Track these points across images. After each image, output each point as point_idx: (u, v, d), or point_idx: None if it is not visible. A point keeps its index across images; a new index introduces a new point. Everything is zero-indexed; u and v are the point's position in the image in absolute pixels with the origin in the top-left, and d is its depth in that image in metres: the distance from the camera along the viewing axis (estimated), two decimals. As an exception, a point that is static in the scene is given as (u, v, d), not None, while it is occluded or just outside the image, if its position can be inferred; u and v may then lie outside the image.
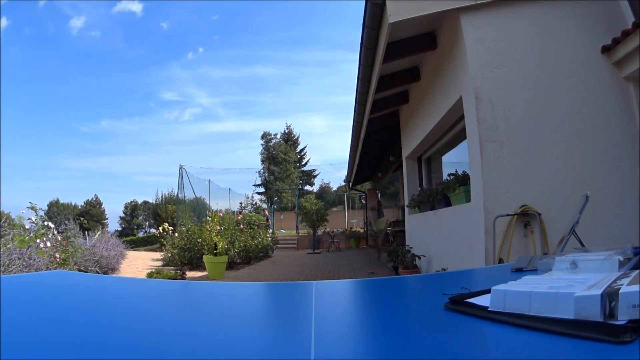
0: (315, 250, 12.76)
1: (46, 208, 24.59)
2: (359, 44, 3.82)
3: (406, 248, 5.28)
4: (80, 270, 5.26)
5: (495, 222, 2.89)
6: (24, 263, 4.20)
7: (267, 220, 13.85)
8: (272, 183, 30.56)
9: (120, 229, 32.48)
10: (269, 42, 49.43)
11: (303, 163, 33.88)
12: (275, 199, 29.72)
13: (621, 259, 0.68)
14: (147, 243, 18.24)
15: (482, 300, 0.60)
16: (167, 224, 12.56)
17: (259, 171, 31.71)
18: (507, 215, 2.89)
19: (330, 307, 0.79)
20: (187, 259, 7.96)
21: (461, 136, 4.04)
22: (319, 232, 14.51)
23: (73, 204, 36.14)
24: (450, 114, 3.94)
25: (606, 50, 2.98)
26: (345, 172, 14.86)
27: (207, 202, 14.05)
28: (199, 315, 0.73)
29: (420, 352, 0.47)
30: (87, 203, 36.18)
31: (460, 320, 0.58)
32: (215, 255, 6.89)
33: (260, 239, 9.87)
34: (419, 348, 0.49)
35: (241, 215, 10.93)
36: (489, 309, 0.55)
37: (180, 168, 11.84)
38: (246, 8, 46.72)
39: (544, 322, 0.47)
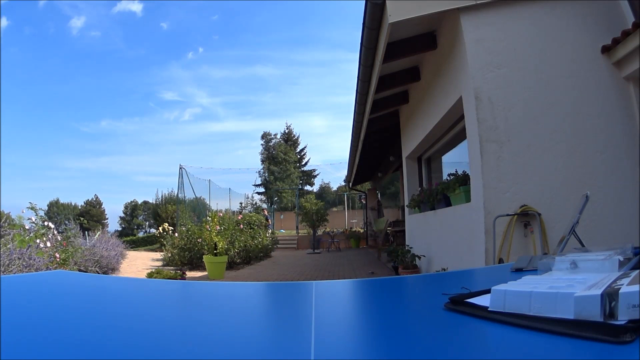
0: (315, 250, 12.76)
1: (46, 208, 24.60)
2: (359, 44, 3.83)
3: (406, 248, 5.28)
4: (80, 270, 5.26)
5: (495, 222, 2.89)
6: (24, 263, 4.20)
7: (267, 220, 13.85)
8: (272, 183, 30.56)
9: (120, 229, 32.49)
10: (269, 42, 49.51)
11: (303, 163, 33.91)
12: (275, 199, 29.72)
13: (621, 259, 0.68)
14: (147, 243, 18.25)
15: (482, 300, 0.60)
16: (167, 224, 12.56)
17: (259, 171, 31.77)
18: (507, 215, 2.89)
19: (330, 307, 0.79)
20: (187, 259, 7.96)
21: (461, 136, 4.04)
22: (319, 232, 14.51)
23: (73, 204, 36.17)
24: (450, 114, 3.94)
25: (606, 50, 2.98)
26: (345, 172, 14.88)
27: (207, 202, 14.07)
28: (199, 315, 0.73)
29: (420, 352, 0.47)
30: (87, 203, 36.18)
31: (460, 320, 0.58)
32: (215, 255, 6.89)
33: (260, 239, 9.88)
34: (419, 348, 0.49)
35: (241, 215, 10.92)
36: (489, 309, 0.55)
37: (180, 168, 11.85)
38: (246, 8, 46.84)
39: (544, 322, 0.47)
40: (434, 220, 4.67)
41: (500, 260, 2.82)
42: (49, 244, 5.23)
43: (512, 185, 2.93)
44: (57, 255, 5.01)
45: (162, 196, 20.95)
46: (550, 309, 0.48)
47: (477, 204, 3.10)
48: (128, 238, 20.35)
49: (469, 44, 3.13)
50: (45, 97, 47.00)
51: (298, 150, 33.75)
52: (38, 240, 5.03)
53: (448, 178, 4.18)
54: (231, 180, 61.71)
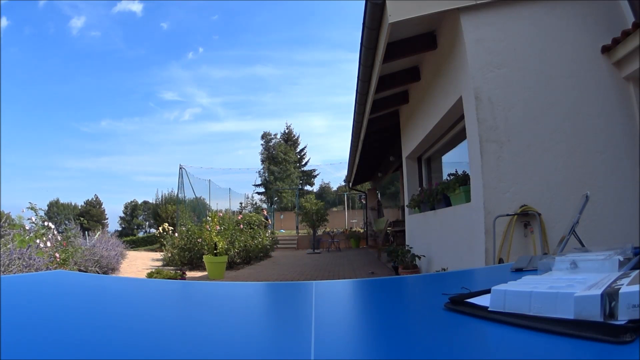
0: (315, 250, 12.76)
1: (46, 208, 24.61)
2: (359, 44, 3.83)
3: (406, 248, 5.28)
4: (80, 270, 5.26)
5: (495, 222, 2.89)
6: (24, 263, 4.20)
7: (267, 220, 13.85)
8: (272, 183, 30.57)
9: (120, 229, 32.51)
10: (269, 42, 49.54)
11: (303, 163, 33.91)
12: (275, 199, 29.72)
13: (621, 259, 0.68)
14: (147, 243, 18.24)
15: (482, 300, 0.60)
16: (167, 224, 12.57)
17: (259, 171, 31.77)
18: (507, 215, 2.89)
19: (330, 307, 0.79)
20: (187, 259, 7.96)
21: (461, 136, 4.04)
22: (319, 232, 14.51)
23: (73, 204, 36.18)
24: (450, 114, 3.94)
25: (606, 50, 2.98)
26: (345, 172, 14.88)
27: (207, 202, 14.07)
28: (199, 315, 0.73)
29: (420, 352, 0.47)
30: (87, 203, 36.19)
31: (460, 320, 0.58)
32: (215, 255, 6.89)
33: (260, 239, 9.88)
34: (419, 348, 0.49)
35: (241, 215, 10.92)
36: (489, 309, 0.55)
37: (180, 168, 11.84)
38: (246, 8, 46.81)
39: (544, 322, 0.47)
40: (434, 220, 4.67)
41: (500, 260, 2.82)
42: (49, 244, 5.23)
43: (512, 185, 2.93)
44: (57, 255, 5.01)
45: (162, 196, 20.99)
46: (550, 309, 0.48)
47: (477, 204, 3.10)
48: (128, 238, 20.35)
49: (469, 44, 3.13)
50: (45, 97, 47.11)
51: (298, 150, 33.76)
52: (38, 240, 5.03)
53: (448, 178, 4.18)
54: (231, 180, 61.80)
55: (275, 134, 34.02)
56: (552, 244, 2.72)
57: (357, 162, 9.00)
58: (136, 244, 18.68)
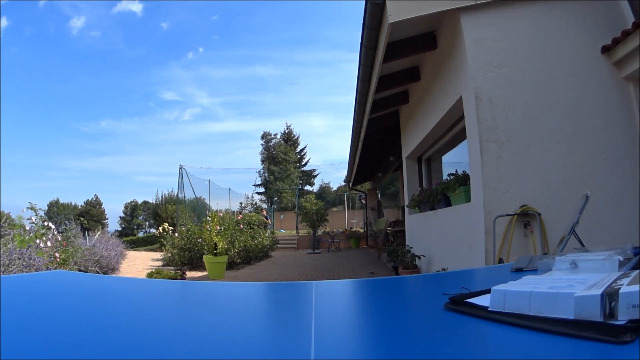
0: (315, 250, 12.75)
1: (46, 208, 24.65)
2: (359, 44, 3.83)
3: (406, 248, 5.28)
4: (80, 270, 5.26)
5: (495, 222, 2.89)
6: (24, 263, 4.20)
7: (267, 220, 13.85)
8: (272, 183, 30.57)
9: (120, 229, 32.51)
10: (269, 42, 49.54)
11: (303, 163, 33.91)
12: (275, 199, 29.72)
13: (621, 259, 0.68)
14: (147, 243, 18.25)
15: (482, 300, 0.60)
16: (167, 224, 12.57)
17: (259, 171, 31.78)
18: (507, 215, 2.89)
19: (330, 307, 0.79)
20: (187, 259, 7.96)
21: (461, 136, 4.04)
22: (319, 232, 14.51)
23: (73, 204, 36.18)
24: (450, 114, 3.94)
25: (606, 50, 2.98)
26: (345, 172, 14.89)
27: (207, 202, 14.06)
28: (199, 315, 0.73)
29: (420, 352, 0.47)
30: (87, 203, 36.18)
31: (460, 320, 0.58)
32: (215, 255, 6.89)
33: (260, 239, 9.88)
34: (419, 348, 0.49)
35: (241, 215, 10.93)
36: (489, 309, 0.55)
37: (180, 168, 11.84)
38: (246, 8, 46.81)
39: (544, 322, 0.47)
40: (434, 220, 4.67)
41: (500, 260, 2.82)
42: (49, 244, 5.22)
43: (512, 185, 2.93)
44: (57, 255, 5.01)
45: (162, 196, 21.02)
46: (550, 309, 0.48)
47: (477, 204, 3.10)
48: (128, 238, 20.35)
49: (469, 44, 3.13)
50: (45, 97, 47.09)
51: (298, 150, 33.77)
52: (38, 240, 5.02)
53: (448, 178, 4.18)
54: (231, 180, 61.73)
55: (275, 134, 34.08)
56: (552, 244, 2.72)
57: (357, 162, 9.00)
58: (136, 244, 18.69)
